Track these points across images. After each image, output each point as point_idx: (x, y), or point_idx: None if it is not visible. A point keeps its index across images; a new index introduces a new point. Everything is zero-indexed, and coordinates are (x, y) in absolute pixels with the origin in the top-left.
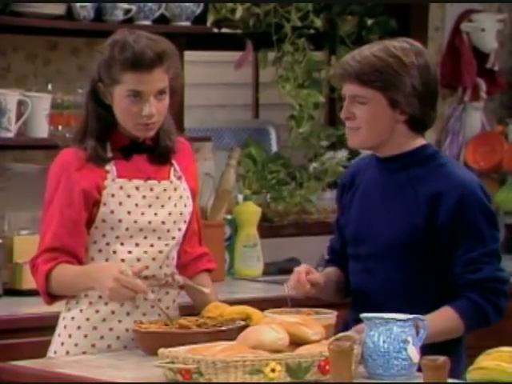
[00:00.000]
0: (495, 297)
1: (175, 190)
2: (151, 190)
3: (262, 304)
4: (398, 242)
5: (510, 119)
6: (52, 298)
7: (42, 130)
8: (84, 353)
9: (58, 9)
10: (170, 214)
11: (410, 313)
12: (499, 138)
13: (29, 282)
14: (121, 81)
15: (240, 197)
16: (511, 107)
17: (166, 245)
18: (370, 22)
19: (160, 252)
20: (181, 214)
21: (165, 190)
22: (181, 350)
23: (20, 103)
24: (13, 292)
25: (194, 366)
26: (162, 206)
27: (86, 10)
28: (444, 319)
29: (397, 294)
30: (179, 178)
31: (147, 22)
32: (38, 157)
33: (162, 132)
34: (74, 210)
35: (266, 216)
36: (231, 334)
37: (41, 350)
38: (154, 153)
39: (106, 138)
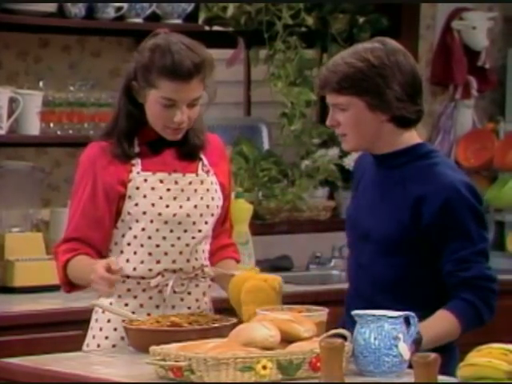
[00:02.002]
0: (487, 295)
1: (202, 183)
2: (176, 182)
3: None
4: (387, 239)
5: (501, 117)
6: (71, 287)
7: (33, 127)
8: (114, 345)
9: (50, 6)
10: (195, 206)
11: (403, 308)
12: (490, 135)
13: (20, 279)
14: (157, 86)
15: (232, 194)
16: (502, 105)
17: (193, 237)
18: (361, 20)
19: (187, 245)
20: (207, 206)
21: (190, 182)
22: (172, 348)
23: (11, 100)
24: (4, 289)
25: (186, 363)
26: (188, 199)
27: (77, 8)
28: (442, 323)
29: (388, 290)
30: (207, 171)
31: (138, 20)
32: (30, 154)
33: (191, 131)
34: (96, 206)
35: (258, 213)
36: (223, 332)
37: (32, 347)
38: (182, 149)
39: (134, 135)
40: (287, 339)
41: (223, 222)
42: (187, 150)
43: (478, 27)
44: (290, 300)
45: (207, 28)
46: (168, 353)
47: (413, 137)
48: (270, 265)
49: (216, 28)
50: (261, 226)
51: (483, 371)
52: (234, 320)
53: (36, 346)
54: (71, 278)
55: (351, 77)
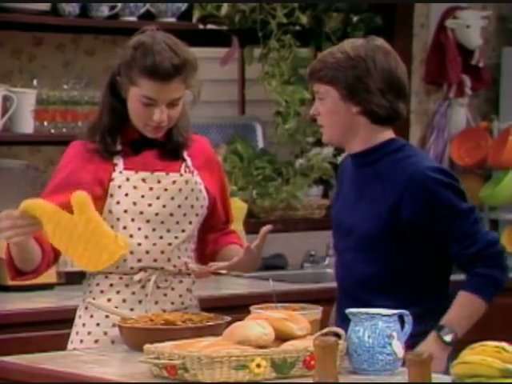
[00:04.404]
0: (497, 260)
1: (186, 182)
2: (158, 181)
3: (248, 300)
4: (367, 235)
5: (495, 115)
6: (17, 273)
7: (27, 125)
8: (96, 341)
9: (44, 5)
10: (179, 206)
11: (389, 302)
12: (484, 133)
13: None
14: (137, 84)
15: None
16: (496, 103)
17: (176, 237)
18: (355, 18)
19: (169, 244)
20: (192, 206)
21: (174, 182)
22: (166, 346)
23: (5, 99)
24: None
25: (180, 361)
26: (172, 198)
27: (71, 6)
28: (466, 306)
29: (373, 286)
30: (191, 172)
31: (133, 18)
32: (24, 153)
33: (174, 129)
34: (60, 196)
35: (253, 212)
36: (217, 330)
37: (26, 346)
38: (165, 148)
39: (118, 132)
40: (281, 337)
41: (213, 216)
42: (170, 148)
43: (471, 26)
44: (285, 298)
45: (201, 26)
46: (162, 351)
47: (387, 134)
48: (264, 263)
49: (210, 26)
50: (255, 224)
51: (477, 369)
52: (228, 318)
53: (30, 344)
54: (16, 259)
55: (329, 66)
